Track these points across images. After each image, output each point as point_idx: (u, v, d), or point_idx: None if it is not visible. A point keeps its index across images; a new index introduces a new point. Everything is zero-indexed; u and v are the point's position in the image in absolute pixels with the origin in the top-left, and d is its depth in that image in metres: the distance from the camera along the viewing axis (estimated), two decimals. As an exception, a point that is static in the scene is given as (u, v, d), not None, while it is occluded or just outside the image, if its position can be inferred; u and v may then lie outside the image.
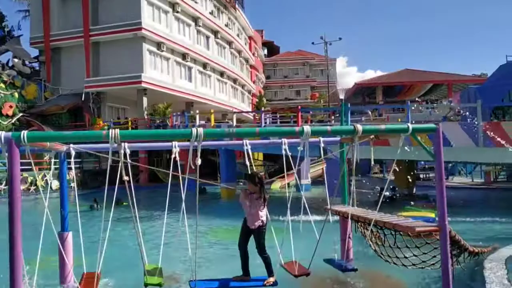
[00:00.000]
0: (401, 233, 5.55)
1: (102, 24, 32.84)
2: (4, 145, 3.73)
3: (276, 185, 24.36)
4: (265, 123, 27.90)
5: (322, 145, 6.66)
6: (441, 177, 4.65)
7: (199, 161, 4.40)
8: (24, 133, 3.74)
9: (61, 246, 5.80)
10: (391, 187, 17.51)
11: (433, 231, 4.70)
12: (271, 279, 5.62)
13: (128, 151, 4.91)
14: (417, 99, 35.04)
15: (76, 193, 6.81)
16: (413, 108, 22.47)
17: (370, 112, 29.56)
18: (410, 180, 17.43)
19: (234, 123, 20.77)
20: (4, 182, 22.56)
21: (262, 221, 5.72)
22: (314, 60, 67.89)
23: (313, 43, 46.23)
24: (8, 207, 3.67)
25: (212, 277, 5.83)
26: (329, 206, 6.74)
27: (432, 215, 11.46)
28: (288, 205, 5.72)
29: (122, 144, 4.49)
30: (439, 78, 37.38)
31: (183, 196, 4.94)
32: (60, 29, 33.74)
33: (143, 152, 29.38)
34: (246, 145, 6.51)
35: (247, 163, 5.80)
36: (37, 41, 34.42)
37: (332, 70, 73.58)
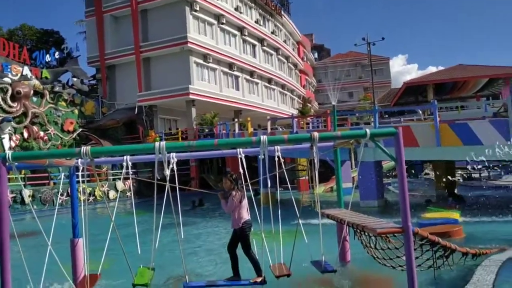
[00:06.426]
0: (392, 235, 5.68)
1: (151, 40, 34.45)
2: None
3: (320, 189, 24.45)
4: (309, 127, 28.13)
5: (314, 150, 6.92)
6: (402, 179, 4.75)
7: (168, 172, 4.84)
8: (9, 153, 4.36)
9: (72, 251, 6.50)
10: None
11: (395, 232, 4.80)
12: (258, 278, 5.96)
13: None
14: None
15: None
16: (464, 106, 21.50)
17: (421, 112, 28.87)
18: (450, 180, 16.86)
19: (269, 130, 21.09)
20: (65, 193, 24.32)
21: (244, 221, 6.09)
22: (366, 60, 66.61)
23: (355, 44, 44.85)
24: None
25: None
26: (322, 209, 6.96)
27: (456, 216, 11.12)
28: (279, 210, 6.03)
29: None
30: (495, 72, 35.42)
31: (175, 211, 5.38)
32: (113, 48, 35.69)
33: (193, 161, 30.52)
34: (240, 153, 6.96)
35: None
36: (93, 60, 36.73)
37: (386, 69, 72.07)
